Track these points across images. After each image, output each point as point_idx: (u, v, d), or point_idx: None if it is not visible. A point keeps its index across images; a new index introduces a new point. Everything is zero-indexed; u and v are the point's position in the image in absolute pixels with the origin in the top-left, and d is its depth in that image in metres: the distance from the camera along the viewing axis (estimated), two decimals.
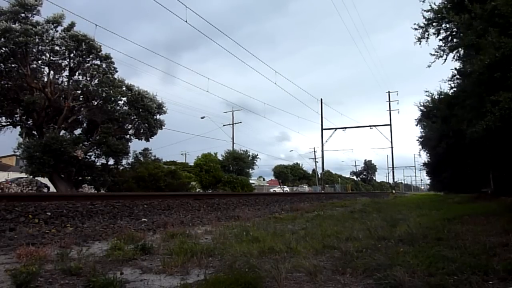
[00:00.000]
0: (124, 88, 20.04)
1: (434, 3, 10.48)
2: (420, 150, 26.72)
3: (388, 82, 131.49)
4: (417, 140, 25.29)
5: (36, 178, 19.21)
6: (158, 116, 21.62)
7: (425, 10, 10.61)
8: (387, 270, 3.10)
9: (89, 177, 19.66)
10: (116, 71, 19.98)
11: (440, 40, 10.74)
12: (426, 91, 18.35)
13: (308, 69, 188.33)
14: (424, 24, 10.71)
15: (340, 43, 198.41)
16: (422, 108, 21.49)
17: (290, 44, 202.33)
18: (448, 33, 10.52)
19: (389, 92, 45.41)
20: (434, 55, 10.48)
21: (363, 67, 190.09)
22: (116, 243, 4.66)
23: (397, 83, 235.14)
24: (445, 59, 10.54)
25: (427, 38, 10.75)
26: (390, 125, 43.16)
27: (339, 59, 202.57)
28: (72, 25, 18.43)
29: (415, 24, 10.91)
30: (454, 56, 10.87)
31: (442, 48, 10.38)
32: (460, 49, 10.26)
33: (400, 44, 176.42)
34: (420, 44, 10.89)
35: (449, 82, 12.25)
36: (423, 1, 10.59)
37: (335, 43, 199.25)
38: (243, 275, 2.96)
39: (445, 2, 10.37)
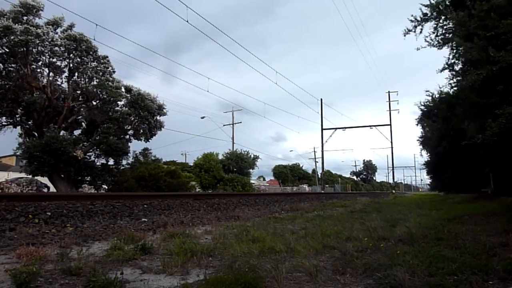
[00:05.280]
0: (123, 89, 20.05)
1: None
2: (420, 150, 26.65)
3: (384, 83, 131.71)
4: (418, 140, 25.27)
5: (36, 178, 19.20)
6: (158, 117, 21.64)
7: (423, 5, 10.49)
8: (387, 270, 3.11)
9: (89, 177, 19.67)
10: (114, 71, 20.01)
11: (436, 36, 10.63)
12: (427, 91, 18.31)
13: (302, 71, 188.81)
14: (420, 17, 10.57)
15: (333, 45, 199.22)
16: (422, 107, 21.44)
17: (281, 46, 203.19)
18: (445, 31, 10.41)
19: (389, 92, 45.44)
20: (426, 41, 10.27)
21: (358, 68, 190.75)
22: (116, 243, 4.66)
23: (393, 83, 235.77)
24: (440, 47, 10.35)
25: (420, 30, 10.55)
26: (390, 125, 43.18)
27: (332, 60, 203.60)
28: (72, 25, 18.47)
29: (412, 16, 10.77)
30: (450, 56, 10.76)
31: (436, 39, 10.20)
32: (454, 47, 10.12)
33: (394, 45, 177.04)
34: (405, 36, 10.62)
35: (450, 81, 12.11)
36: None
37: (328, 45, 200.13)
38: (243, 275, 2.96)
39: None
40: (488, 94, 7.36)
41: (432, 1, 10.23)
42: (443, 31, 10.41)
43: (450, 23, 9.77)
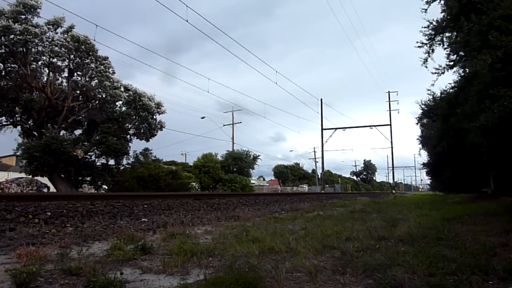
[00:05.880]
0: (122, 89, 20.06)
1: (434, 19, 10.56)
2: (420, 149, 26.67)
3: (384, 83, 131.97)
4: (417, 139, 25.26)
5: (36, 178, 19.20)
6: (157, 116, 21.66)
7: (425, 27, 10.70)
8: (387, 270, 3.11)
9: (89, 177, 19.66)
10: (114, 72, 20.04)
11: (444, 48, 10.78)
12: (428, 89, 18.32)
13: (302, 71, 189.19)
14: (426, 40, 10.77)
15: (332, 45, 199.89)
16: (423, 106, 21.42)
17: (281, 46, 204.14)
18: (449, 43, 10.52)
19: (389, 92, 45.46)
20: (435, 73, 10.54)
21: (358, 68, 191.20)
22: (116, 243, 4.67)
23: (393, 83, 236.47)
24: (443, 72, 10.58)
25: (433, 51, 10.79)
26: (390, 125, 43.20)
27: (332, 61, 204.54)
28: (72, 26, 18.48)
29: (417, 42, 11.04)
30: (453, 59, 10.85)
31: (442, 66, 10.42)
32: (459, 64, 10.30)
33: (393, 45, 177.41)
34: (426, 63, 10.93)
35: (451, 83, 12.23)
36: (425, 11, 10.63)
37: (327, 45, 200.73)
38: (243, 275, 2.96)
39: (444, 15, 10.38)
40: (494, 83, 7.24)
41: (433, 22, 10.39)
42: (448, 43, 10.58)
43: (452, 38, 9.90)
